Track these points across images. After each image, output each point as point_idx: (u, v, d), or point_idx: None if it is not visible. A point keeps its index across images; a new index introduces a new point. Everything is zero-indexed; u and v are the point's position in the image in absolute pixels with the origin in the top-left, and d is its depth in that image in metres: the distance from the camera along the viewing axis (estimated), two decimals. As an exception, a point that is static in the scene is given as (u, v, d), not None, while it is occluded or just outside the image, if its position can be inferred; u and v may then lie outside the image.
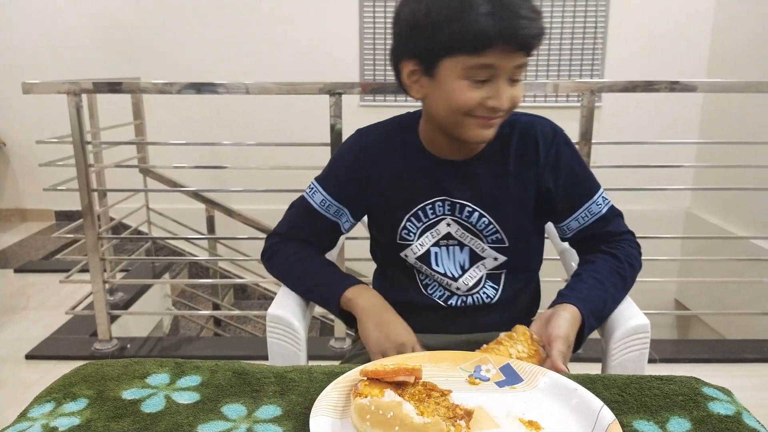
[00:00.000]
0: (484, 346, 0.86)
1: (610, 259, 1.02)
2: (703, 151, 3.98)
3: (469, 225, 1.02)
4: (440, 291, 1.06)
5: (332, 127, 2.08)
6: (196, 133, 3.95)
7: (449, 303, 1.05)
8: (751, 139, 3.35)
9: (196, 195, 3.26)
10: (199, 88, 2.13)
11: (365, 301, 0.99)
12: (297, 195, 2.44)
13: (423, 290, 1.07)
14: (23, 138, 4.14)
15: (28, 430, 0.64)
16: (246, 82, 2.09)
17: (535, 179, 1.00)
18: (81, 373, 0.76)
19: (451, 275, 1.04)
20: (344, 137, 2.11)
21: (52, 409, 0.68)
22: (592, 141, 2.05)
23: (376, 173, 1.05)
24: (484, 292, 1.05)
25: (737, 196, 3.52)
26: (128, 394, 0.72)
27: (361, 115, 3.93)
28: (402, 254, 1.05)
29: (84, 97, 2.18)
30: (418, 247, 1.04)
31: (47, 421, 0.66)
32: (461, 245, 1.03)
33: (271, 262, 1.11)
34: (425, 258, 1.04)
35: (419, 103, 1.00)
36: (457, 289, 1.05)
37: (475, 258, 1.03)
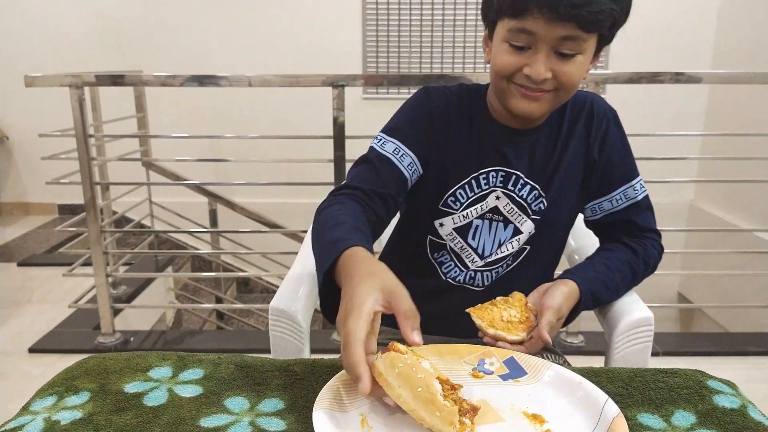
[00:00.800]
0: (479, 305, 0.86)
1: (628, 251, 1.00)
2: (707, 143, 3.96)
3: (519, 199, 1.00)
4: (455, 270, 1.05)
5: (335, 119, 2.07)
6: (198, 127, 3.95)
7: (460, 280, 1.05)
8: (757, 131, 3.33)
9: (199, 188, 3.26)
10: (202, 80, 2.12)
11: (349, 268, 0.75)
12: (300, 188, 2.43)
13: (438, 267, 1.05)
14: (25, 131, 4.14)
15: (30, 424, 0.64)
16: (248, 75, 2.09)
17: (585, 150, 1.01)
18: (83, 367, 0.76)
19: (481, 252, 1.02)
20: (347, 130, 2.12)
21: (54, 403, 0.68)
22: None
23: (440, 132, 1.00)
24: (496, 271, 1.04)
25: (741, 188, 3.51)
26: (131, 387, 0.71)
27: (364, 107, 3.93)
28: (437, 221, 1.02)
29: (86, 90, 2.18)
30: (461, 217, 1.01)
31: (49, 415, 0.66)
32: (506, 221, 1.01)
33: (314, 221, 0.92)
34: (463, 230, 1.02)
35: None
36: (475, 263, 1.03)
37: (515, 233, 1.02)
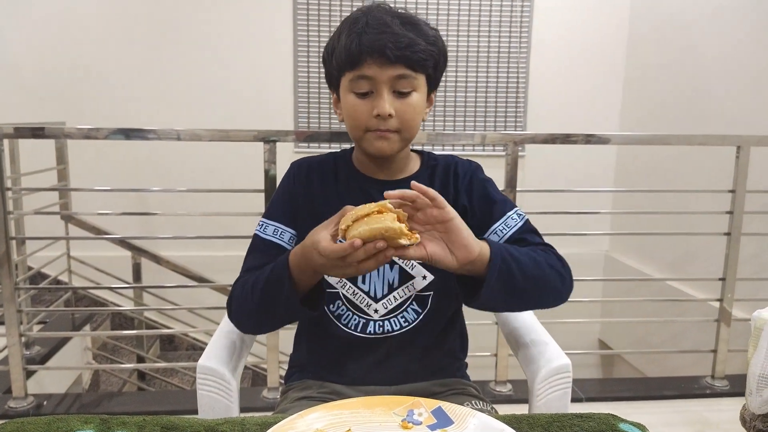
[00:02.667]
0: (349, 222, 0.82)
1: (528, 250, 1.00)
2: (618, 198, 4.24)
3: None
4: (354, 319, 1.05)
5: (266, 172, 2.09)
6: (124, 179, 3.85)
7: (366, 331, 1.04)
8: (662, 187, 3.60)
9: (122, 242, 3.16)
10: (128, 133, 2.09)
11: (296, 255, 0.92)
12: (230, 241, 2.41)
13: (335, 320, 1.05)
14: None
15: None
16: (177, 128, 2.08)
17: (454, 198, 1.07)
18: (-3, 434, 0.72)
19: (373, 295, 1.04)
20: (278, 182, 2.14)
21: (-36, 474, 0.65)
22: (517, 188, 2.16)
23: (311, 194, 1.09)
24: (403, 317, 1.04)
25: (651, 240, 3.75)
26: (49, 453, 0.68)
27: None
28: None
29: (5, 141, 2.10)
30: None
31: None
32: (391, 263, 1.04)
33: (230, 307, 1.03)
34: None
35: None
36: (375, 311, 1.04)
37: (405, 277, 1.04)
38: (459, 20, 4.05)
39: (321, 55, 1.07)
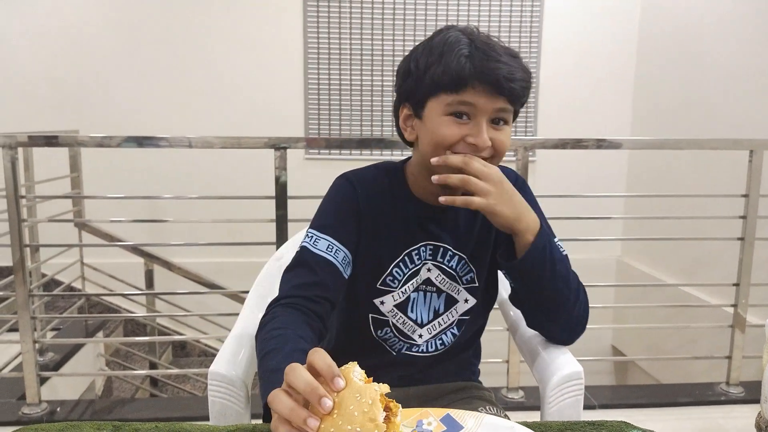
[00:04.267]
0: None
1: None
2: (630, 203, 4.21)
3: (449, 270, 1.05)
4: (399, 344, 1.06)
5: (277, 179, 2.10)
6: (136, 187, 3.88)
7: (405, 352, 1.06)
8: (673, 191, 3.57)
9: (135, 249, 3.18)
10: (141, 141, 2.11)
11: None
12: (241, 247, 2.42)
13: (382, 344, 1.06)
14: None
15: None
16: (189, 136, 2.10)
17: None
18: (12, 440, 0.73)
19: (420, 321, 1.05)
20: (290, 189, 2.15)
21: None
22: (528, 194, 2.15)
23: (366, 218, 1.02)
24: (440, 339, 1.07)
25: (664, 245, 3.72)
26: (63, 459, 0.69)
27: (306, 167, 3.99)
28: (377, 300, 1.04)
29: (20, 150, 2.13)
30: (400, 294, 1.04)
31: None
32: (439, 291, 1.05)
33: (257, 337, 0.92)
34: (403, 305, 1.05)
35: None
36: (420, 336, 1.05)
37: (450, 302, 1.06)
38: (468, 24, 4.05)
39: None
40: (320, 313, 0.95)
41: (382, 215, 1.03)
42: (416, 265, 1.04)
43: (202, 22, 3.95)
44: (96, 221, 3.02)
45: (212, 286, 3.23)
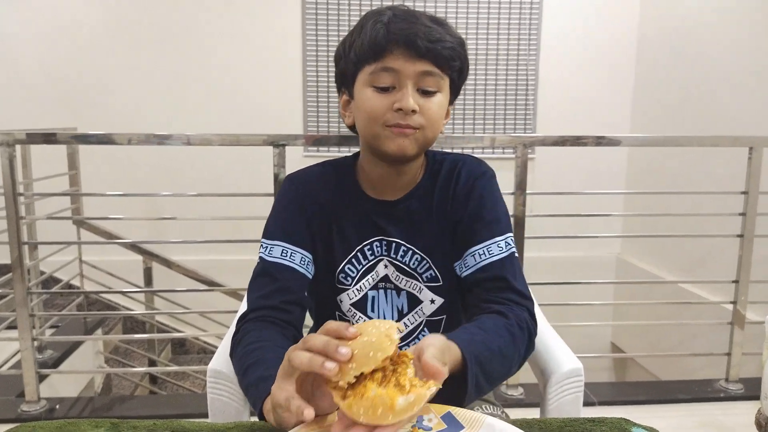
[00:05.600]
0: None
1: (498, 316, 0.90)
2: (629, 200, 4.21)
3: (403, 266, 1.00)
4: None
5: (276, 176, 2.10)
6: (135, 184, 3.87)
7: None
8: (673, 189, 3.57)
9: (133, 246, 3.18)
10: (140, 138, 2.11)
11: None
12: (240, 244, 2.42)
13: None
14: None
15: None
16: (188, 133, 2.09)
17: (451, 209, 1.00)
18: (9, 437, 0.72)
19: None
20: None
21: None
22: (527, 191, 2.15)
23: (314, 215, 1.01)
24: (414, 343, 1.02)
25: (664, 242, 3.72)
26: (60, 457, 0.69)
27: (305, 164, 3.96)
28: (338, 298, 1.02)
29: (18, 147, 2.12)
30: (355, 291, 1.01)
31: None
32: (398, 290, 1.01)
33: (232, 356, 0.91)
34: (361, 303, 1.02)
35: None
36: None
37: (413, 302, 1.02)
38: (468, 22, 4.04)
39: (332, 57, 0.99)
40: (290, 320, 0.94)
41: (332, 212, 1.01)
42: (370, 261, 1.01)
43: (201, 20, 3.94)
44: (94, 218, 3.01)
45: (211, 283, 3.22)
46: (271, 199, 2.14)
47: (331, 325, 0.65)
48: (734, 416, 2.26)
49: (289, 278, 0.96)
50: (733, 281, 2.35)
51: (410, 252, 1.00)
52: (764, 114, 2.98)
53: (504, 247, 0.96)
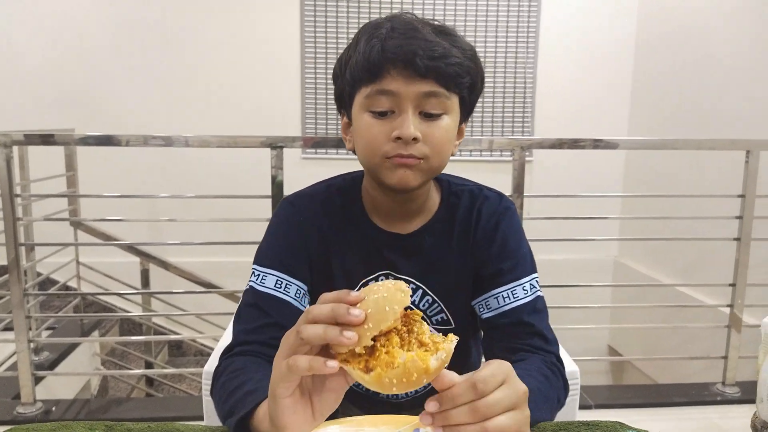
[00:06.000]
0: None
1: (535, 357, 0.85)
2: (627, 203, 4.21)
3: (411, 307, 0.94)
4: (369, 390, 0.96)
5: (273, 178, 2.10)
6: (133, 186, 3.87)
7: (380, 396, 0.95)
8: (671, 192, 3.57)
9: (131, 248, 3.17)
10: (137, 140, 2.10)
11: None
12: (237, 247, 2.41)
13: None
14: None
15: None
16: (186, 135, 2.09)
17: (472, 250, 0.92)
18: (4, 440, 0.72)
19: None
20: (286, 189, 2.14)
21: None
22: (525, 194, 2.15)
23: (315, 243, 0.91)
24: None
25: (661, 245, 3.72)
26: (55, 459, 0.68)
27: (303, 166, 3.98)
28: None
29: (15, 148, 2.12)
30: None
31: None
32: None
33: (212, 391, 0.83)
34: None
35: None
36: None
37: None
38: (466, 24, 4.05)
39: (331, 58, 0.92)
40: None
41: (334, 241, 0.92)
42: None
43: (199, 21, 3.94)
44: (92, 220, 3.00)
45: (208, 285, 3.22)
46: (269, 202, 2.15)
47: (328, 295, 0.57)
48: (730, 419, 2.26)
49: (283, 314, 0.86)
50: (730, 284, 2.35)
51: (420, 292, 0.93)
52: (762, 117, 2.99)
53: (529, 290, 0.89)
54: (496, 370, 0.57)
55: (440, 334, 0.57)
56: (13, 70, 3.86)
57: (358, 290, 0.81)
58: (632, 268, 4.12)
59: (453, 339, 0.56)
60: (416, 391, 0.95)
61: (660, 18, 3.93)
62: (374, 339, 0.55)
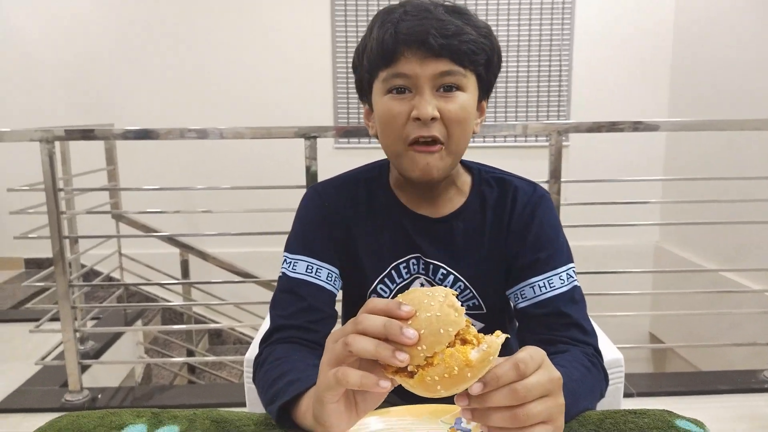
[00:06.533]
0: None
1: (575, 349, 0.84)
2: (667, 186, 4.10)
3: None
4: None
5: (307, 168, 2.10)
6: (170, 178, 3.94)
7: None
8: (712, 174, 3.47)
9: (170, 239, 3.23)
10: (173, 133, 2.14)
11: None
12: (273, 236, 2.44)
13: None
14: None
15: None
16: (220, 127, 2.11)
17: (506, 240, 0.92)
18: (56, 426, 0.74)
19: None
20: (320, 179, 2.15)
21: (25, 465, 0.67)
22: (561, 179, 2.11)
23: (341, 230, 0.93)
24: None
25: (703, 229, 3.62)
26: (104, 446, 0.70)
27: (336, 156, 3.99)
28: None
29: (57, 143, 2.17)
30: None
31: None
32: None
33: (255, 378, 0.86)
34: None
35: None
36: None
37: None
38: (498, 9, 3.98)
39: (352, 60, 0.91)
40: (318, 339, 0.88)
41: (362, 225, 0.94)
42: (405, 279, 0.94)
43: (230, 13, 3.96)
44: (132, 212, 3.07)
45: (245, 275, 3.27)
46: (303, 191, 2.16)
47: (378, 304, 0.55)
48: (779, 408, 2.19)
49: (316, 297, 0.89)
50: (777, 269, 2.27)
51: (451, 277, 0.93)
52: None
53: (566, 280, 0.88)
54: (534, 353, 0.56)
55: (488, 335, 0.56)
56: (54, 70, 3.95)
57: (387, 273, 0.82)
58: (674, 253, 4.02)
59: (500, 335, 0.55)
60: None
61: (701, -6, 3.79)
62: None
